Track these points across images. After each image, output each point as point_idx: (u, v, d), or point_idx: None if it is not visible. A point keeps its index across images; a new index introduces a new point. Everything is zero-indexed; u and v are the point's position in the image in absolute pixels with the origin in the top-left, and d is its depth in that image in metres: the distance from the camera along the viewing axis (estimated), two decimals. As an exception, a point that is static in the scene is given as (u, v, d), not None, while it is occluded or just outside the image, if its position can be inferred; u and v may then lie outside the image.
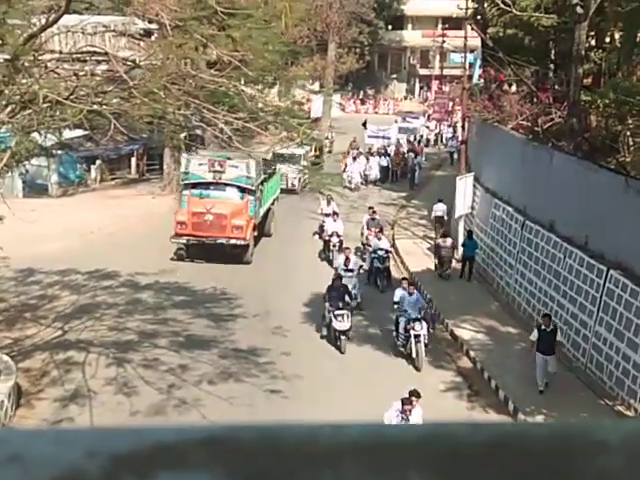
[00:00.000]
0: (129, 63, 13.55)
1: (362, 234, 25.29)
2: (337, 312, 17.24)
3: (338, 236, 24.54)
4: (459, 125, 37.29)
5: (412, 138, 45.67)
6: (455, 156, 43.59)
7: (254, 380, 15.63)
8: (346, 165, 38.43)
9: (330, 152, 41.47)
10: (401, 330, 16.89)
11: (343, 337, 17.22)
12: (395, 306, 17.33)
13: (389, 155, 40.54)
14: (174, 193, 35.42)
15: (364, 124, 44.59)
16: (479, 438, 0.60)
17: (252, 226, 23.66)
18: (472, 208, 25.62)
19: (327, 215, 26.46)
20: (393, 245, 26.21)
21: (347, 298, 17.69)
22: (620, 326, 15.28)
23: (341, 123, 58.19)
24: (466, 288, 22.38)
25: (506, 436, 0.60)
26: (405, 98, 74.83)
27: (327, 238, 24.94)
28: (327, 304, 17.59)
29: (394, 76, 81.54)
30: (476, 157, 27.43)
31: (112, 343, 17.34)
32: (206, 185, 23.85)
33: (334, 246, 24.17)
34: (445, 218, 27.70)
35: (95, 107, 11.87)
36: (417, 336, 16.55)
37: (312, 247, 25.79)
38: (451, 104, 44.78)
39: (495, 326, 19.08)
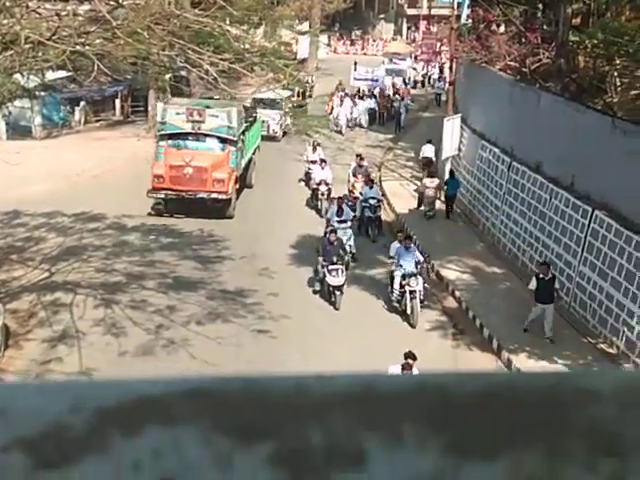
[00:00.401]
0: (112, 3, 13.35)
1: (348, 181, 24.66)
2: (331, 267, 16.59)
3: (326, 184, 23.80)
4: (447, 66, 37.01)
5: (399, 80, 45.31)
6: (442, 98, 43.41)
7: (241, 320, 15.78)
8: (332, 108, 38.17)
9: (310, 96, 40.68)
10: (396, 286, 16.27)
11: (337, 292, 16.65)
12: (390, 260, 16.80)
13: (376, 97, 40.31)
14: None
15: (355, 66, 44.04)
16: (470, 388, 0.59)
17: (234, 179, 22.46)
18: (459, 150, 25.64)
19: (313, 162, 25.78)
20: (380, 188, 26.08)
21: (341, 252, 17.12)
22: (604, 266, 15.48)
23: (328, 64, 57.64)
24: (452, 229, 22.53)
25: (498, 386, 0.60)
26: (393, 39, 74.03)
27: (315, 186, 24.20)
28: (320, 258, 16.93)
29: (382, 16, 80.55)
30: (464, 98, 27.33)
31: (100, 285, 17.42)
32: (184, 136, 22.35)
33: (322, 195, 23.55)
34: (433, 159, 27.76)
35: (78, 48, 11.74)
36: (412, 292, 15.95)
37: (298, 195, 25.33)
38: (439, 45, 44.31)
39: (480, 266, 19.28)
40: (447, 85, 37.43)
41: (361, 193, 22.40)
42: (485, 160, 22.83)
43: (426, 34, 57.51)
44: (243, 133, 23.69)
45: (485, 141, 23.13)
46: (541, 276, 15.13)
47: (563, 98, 19.45)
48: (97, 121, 37.46)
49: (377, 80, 42.19)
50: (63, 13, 13.25)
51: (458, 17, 30.60)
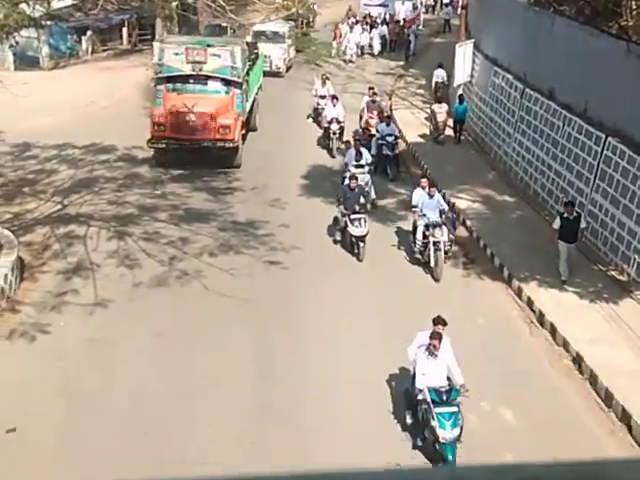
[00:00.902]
0: None
1: (361, 117, 23.53)
2: (353, 216, 15.63)
3: (338, 122, 22.57)
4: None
5: (409, 4, 44.35)
6: (451, 22, 42.64)
7: (253, 252, 15.86)
8: (340, 35, 37.50)
9: (312, 27, 39.40)
10: (419, 236, 15.24)
11: (361, 243, 15.60)
12: (413, 209, 15.68)
13: (387, 24, 39.57)
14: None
15: None
16: None
17: (240, 124, 20.81)
18: (471, 76, 25.29)
19: (322, 97, 24.77)
20: (390, 115, 25.69)
21: (363, 200, 16.08)
22: (616, 193, 15.41)
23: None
24: (463, 158, 22.41)
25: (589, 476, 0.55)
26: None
27: (326, 125, 22.91)
28: (341, 207, 16.03)
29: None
30: (476, 23, 26.82)
31: (112, 217, 17.50)
32: (184, 79, 20.61)
33: (334, 134, 22.45)
34: (445, 83, 27.55)
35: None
36: (436, 243, 14.92)
37: (308, 134, 24.37)
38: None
39: (492, 195, 19.23)
40: (458, 9, 36.74)
41: (377, 130, 21.27)
42: (498, 87, 22.54)
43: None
44: (247, 73, 21.96)
45: (498, 67, 22.79)
46: (565, 215, 14.45)
47: (577, 22, 19.06)
48: (104, 50, 37.07)
49: (387, 5, 41.28)
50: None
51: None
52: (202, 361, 11.85)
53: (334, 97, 23.49)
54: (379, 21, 40.22)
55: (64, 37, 34.48)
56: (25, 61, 32.72)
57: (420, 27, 41.22)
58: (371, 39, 37.89)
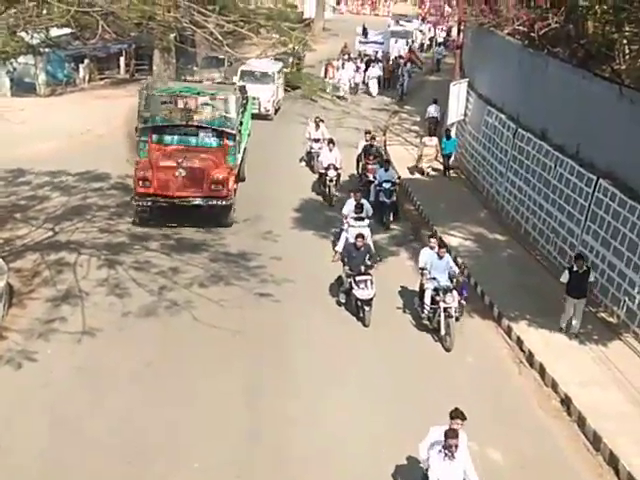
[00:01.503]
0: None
1: (358, 162, 22.81)
2: (359, 278, 14.49)
3: (335, 169, 21.45)
4: (454, 29, 36.61)
5: (402, 43, 44.69)
6: (443, 62, 43.10)
7: (244, 283, 15.84)
8: (327, 71, 37.54)
9: (300, 69, 37.08)
10: (427, 301, 14.06)
11: (367, 307, 14.35)
12: (421, 272, 14.48)
13: (380, 62, 39.82)
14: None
15: (364, 30, 42.77)
16: None
17: (234, 179, 19.12)
18: (465, 114, 25.49)
19: (316, 140, 23.97)
20: (385, 152, 25.81)
21: (369, 260, 14.86)
22: (607, 235, 15.47)
23: (335, 25, 57.16)
24: (456, 195, 22.51)
25: None
26: (405, 0, 73.16)
27: (322, 171, 21.79)
28: (346, 267, 14.83)
29: (390, -24, 79.54)
30: (471, 63, 27.10)
31: (103, 245, 17.46)
32: (173, 129, 18.99)
33: (331, 181, 21.35)
34: (439, 119, 27.89)
35: (82, 8, 11.64)
36: (447, 309, 13.70)
37: (302, 178, 23.47)
38: (447, 7, 43.77)
39: (483, 233, 19.29)
40: (447, 50, 37.08)
41: (375, 177, 20.65)
42: (491, 126, 22.71)
43: (434, -5, 56.75)
44: (240, 122, 20.40)
45: (491, 107, 22.98)
46: (575, 269, 13.83)
47: (571, 65, 19.25)
48: (101, 79, 37.23)
49: (382, 43, 41.57)
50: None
51: (467, -21, 30.16)
52: (190, 392, 11.76)
53: (330, 141, 22.43)
54: (376, 57, 40.40)
55: (62, 65, 34.63)
56: (22, 87, 32.83)
57: (415, 68, 41.22)
58: (368, 77, 38.08)
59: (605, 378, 12.65)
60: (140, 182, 18.23)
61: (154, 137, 18.96)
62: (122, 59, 38.60)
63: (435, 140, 24.92)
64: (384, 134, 29.88)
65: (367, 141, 23.08)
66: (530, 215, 19.11)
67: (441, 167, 24.65)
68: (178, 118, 18.81)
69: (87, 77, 36.40)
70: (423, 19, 54.58)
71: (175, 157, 18.37)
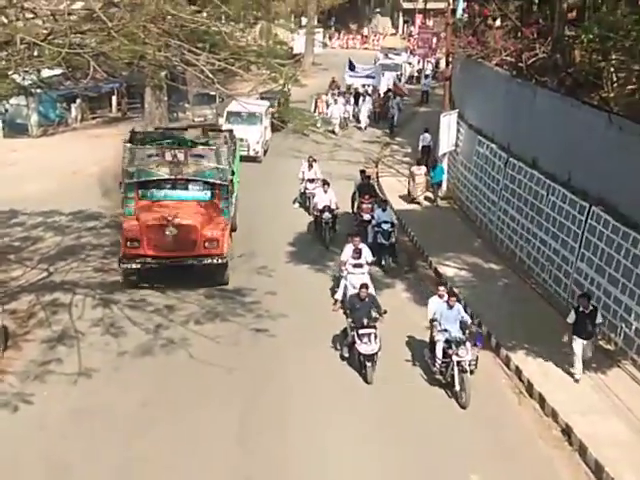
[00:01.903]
0: (107, 1, 13.29)
1: (353, 201, 22.13)
2: (362, 331, 13.59)
3: (331, 211, 20.68)
4: (442, 61, 36.95)
5: (391, 76, 44.91)
6: (430, 93, 43.28)
7: (240, 319, 15.79)
8: (317, 106, 37.56)
9: (287, 107, 35.86)
10: (439, 354, 13.24)
11: (369, 363, 13.46)
12: (431, 323, 13.66)
13: (370, 95, 39.88)
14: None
15: (350, 64, 42.69)
16: None
17: (228, 234, 17.80)
18: (456, 145, 25.63)
19: (310, 181, 23.33)
20: (378, 184, 25.80)
21: (374, 313, 13.97)
22: (601, 262, 15.48)
23: (324, 59, 57.61)
24: (450, 225, 22.55)
25: None
26: (394, 34, 73.87)
27: (317, 214, 21.03)
28: (349, 320, 14.06)
29: (378, 10, 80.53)
30: (460, 93, 27.30)
31: (98, 284, 17.40)
32: (161, 183, 17.76)
33: (326, 223, 20.62)
34: (431, 147, 28.15)
35: (73, 49, 11.71)
36: (460, 363, 12.88)
37: (297, 218, 22.82)
38: (435, 40, 44.18)
39: (478, 263, 19.29)
40: (435, 82, 37.16)
41: (371, 216, 20.08)
42: (482, 156, 22.82)
43: (422, 28, 57.33)
44: (232, 172, 18.90)
45: (482, 137, 23.11)
46: (581, 309, 13.48)
47: (559, 93, 19.41)
48: (93, 118, 37.43)
49: (374, 77, 41.39)
50: (58, 13, 13.17)
51: (454, 11, 30.51)
52: (187, 432, 11.66)
53: (325, 182, 21.64)
54: (365, 92, 40.42)
55: (53, 105, 34.82)
56: (14, 129, 32.97)
57: (404, 99, 41.41)
58: (358, 111, 38.19)
59: (605, 406, 12.59)
60: (128, 242, 16.81)
61: (141, 193, 17.74)
62: (114, 98, 38.84)
63: (423, 169, 25.33)
64: (376, 166, 30.00)
65: (362, 179, 22.58)
66: (524, 243, 19.13)
67: (432, 196, 24.97)
68: (166, 172, 17.56)
69: (79, 117, 36.58)
70: (411, 52, 55.09)
71: (165, 214, 16.87)
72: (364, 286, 14.24)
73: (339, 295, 15.87)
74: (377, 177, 28.20)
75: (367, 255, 16.40)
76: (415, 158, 28.99)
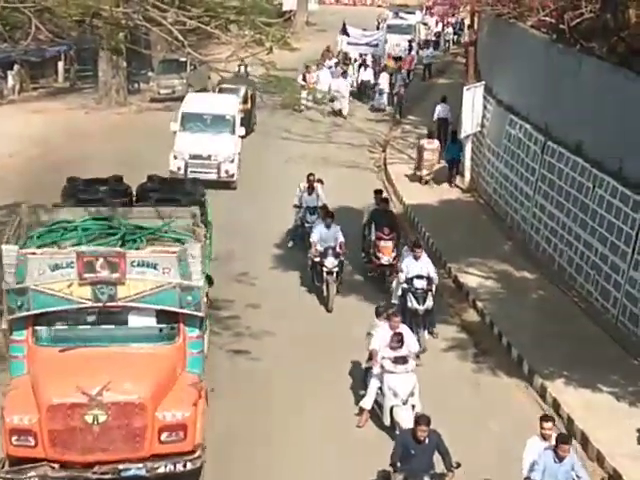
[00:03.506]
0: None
1: (364, 237, 19.37)
2: None
3: (336, 255, 17.75)
4: (467, 22, 36.97)
5: (403, 40, 44.32)
6: (431, 67, 42.74)
7: (214, 338, 15.76)
8: (305, 80, 36.15)
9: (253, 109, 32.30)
10: None
11: None
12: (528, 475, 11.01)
13: (368, 66, 39.00)
14: (113, 106, 35.16)
15: (344, 29, 41.97)
16: None
17: (203, 406, 11.96)
18: (482, 126, 25.66)
19: (310, 210, 20.28)
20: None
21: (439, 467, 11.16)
22: (659, 271, 15.55)
23: (321, 18, 57.74)
24: (473, 224, 22.58)
25: None
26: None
27: (316, 259, 17.85)
28: (399, 476, 10.89)
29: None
30: (487, 63, 27.35)
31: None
32: (76, 315, 12.27)
33: (329, 274, 17.60)
34: (450, 120, 28.72)
35: (11, 3, 11.74)
36: None
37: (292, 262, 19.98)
38: (458, -5, 44.14)
39: (508, 271, 19.30)
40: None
41: (393, 261, 18.01)
42: (514, 139, 22.86)
43: (442, -20, 57.30)
44: (209, 281, 14.63)
45: (514, 115, 23.14)
46: None
47: (609, 62, 19.47)
48: (35, 89, 37.46)
49: (377, 45, 40.56)
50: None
51: (481, -40, 30.56)
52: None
53: (328, 214, 18.59)
54: (364, 61, 39.71)
55: (-16, 72, 34.86)
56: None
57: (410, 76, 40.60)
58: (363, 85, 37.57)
59: (662, 448, 12.63)
60: (14, 438, 11.25)
61: (39, 335, 12.15)
62: (61, 64, 38.85)
63: (436, 143, 25.95)
64: (384, 150, 30.05)
65: (377, 204, 19.64)
66: (564, 247, 19.17)
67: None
68: (88, 295, 12.00)
69: (17, 87, 36.55)
70: (428, 10, 54.95)
71: (83, 381, 11.29)
72: (422, 421, 10.99)
73: (367, 403, 13.42)
74: (384, 164, 28.22)
75: (411, 343, 13.50)
76: (433, 126, 28.92)
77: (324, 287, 17.73)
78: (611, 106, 17.87)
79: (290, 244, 20.88)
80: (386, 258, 18.23)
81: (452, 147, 25.95)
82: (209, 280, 14.41)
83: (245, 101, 30.62)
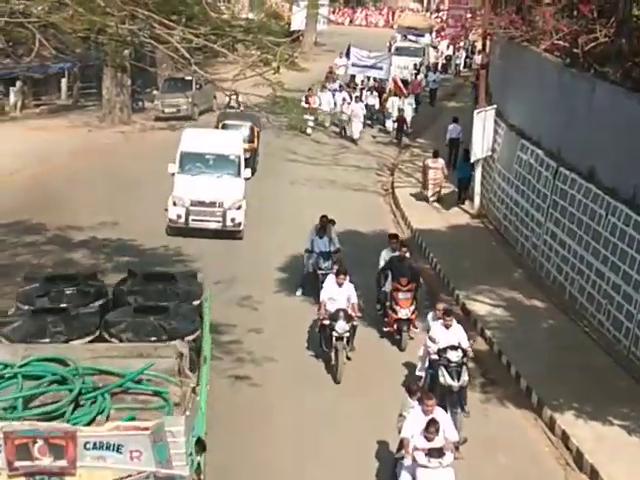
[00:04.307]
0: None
1: (379, 284, 17.77)
2: None
3: (348, 318, 15.81)
4: (478, 46, 37.03)
5: (409, 63, 44.22)
6: (436, 92, 42.62)
7: (215, 363, 15.68)
8: (307, 103, 35.67)
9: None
10: None
11: None
12: None
13: (375, 91, 38.91)
14: (116, 125, 35.28)
15: (347, 51, 41.74)
16: None
17: None
18: (493, 150, 25.69)
19: (324, 255, 18.82)
20: (393, 194, 25.58)
21: None
22: (673, 301, 15.49)
23: (330, 39, 58.01)
24: (483, 250, 22.56)
25: None
26: (410, 9, 74.08)
27: (325, 320, 15.89)
28: None
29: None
30: (499, 86, 27.40)
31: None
32: None
33: (340, 339, 15.67)
34: (461, 140, 29.38)
35: (15, 18, 11.79)
36: None
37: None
38: (470, 16, 44.28)
39: (518, 299, 19.26)
40: (478, 69, 37.12)
41: (411, 316, 16.97)
42: (525, 164, 22.87)
43: (454, 2, 57.47)
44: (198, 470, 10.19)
45: (526, 140, 23.16)
46: None
47: (623, 88, 19.50)
48: (37, 106, 37.53)
49: (381, 68, 40.28)
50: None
51: (493, -18, 30.68)
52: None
53: (340, 270, 16.40)
54: (367, 85, 39.49)
55: (-14, 88, 35.01)
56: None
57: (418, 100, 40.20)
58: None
59: (675, 484, 12.54)
60: None
61: None
62: (64, 81, 38.97)
63: (441, 161, 26.57)
64: (391, 174, 30.11)
65: (393, 251, 18.09)
66: (576, 276, 19.12)
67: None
68: None
69: (19, 104, 36.66)
70: (439, 33, 55.08)
71: None
72: None
73: None
74: (392, 187, 28.25)
75: (449, 431, 11.68)
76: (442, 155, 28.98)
77: (332, 354, 15.77)
78: (625, 132, 17.87)
79: (298, 293, 19.32)
80: (404, 312, 16.95)
81: (464, 166, 26.41)
82: (201, 446, 10.19)
83: (251, 140, 28.89)
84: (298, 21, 52.81)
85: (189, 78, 35.50)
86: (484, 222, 25.05)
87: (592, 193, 18.91)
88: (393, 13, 74.66)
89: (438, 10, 69.64)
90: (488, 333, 17.64)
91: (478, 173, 25.58)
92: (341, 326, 15.63)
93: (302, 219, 23.66)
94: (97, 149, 30.96)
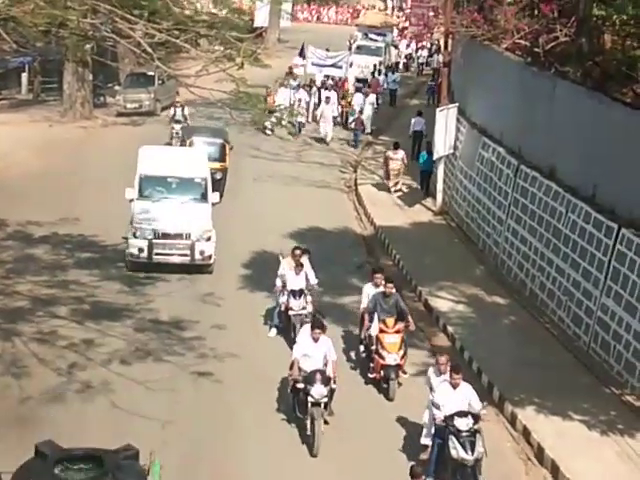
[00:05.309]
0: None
1: (362, 322, 15.93)
2: None
3: (325, 381, 13.46)
4: (442, 42, 37.08)
5: (369, 62, 43.94)
6: (396, 93, 42.32)
7: (178, 359, 15.71)
8: (265, 98, 34.97)
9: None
10: None
11: None
12: None
13: (336, 91, 38.04)
14: (78, 120, 35.05)
15: (301, 51, 41.11)
16: None
17: None
18: (454, 148, 25.78)
19: (295, 294, 16.57)
20: (356, 191, 26.02)
21: None
22: (632, 298, 15.59)
23: (293, 36, 57.92)
24: (445, 247, 22.65)
25: None
26: (381, 9, 73.90)
27: (298, 384, 13.39)
28: None
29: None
30: (461, 84, 27.51)
31: (-3, 311, 17.13)
32: None
33: (316, 404, 13.30)
34: (425, 133, 29.73)
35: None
36: None
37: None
38: (432, 15, 44.35)
39: (479, 295, 19.35)
40: (441, 66, 37.18)
41: (399, 361, 15.19)
42: (487, 162, 22.97)
43: (416, 1, 57.50)
44: None
45: (487, 138, 23.27)
46: None
47: (584, 87, 19.64)
48: (-3, 101, 37.21)
49: (340, 67, 39.62)
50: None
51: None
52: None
53: (316, 322, 14.27)
54: (331, 85, 38.81)
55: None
56: None
57: (379, 101, 39.84)
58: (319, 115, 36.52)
59: (634, 478, 12.62)
60: None
61: None
62: (24, 75, 38.61)
63: (401, 153, 27.18)
64: (355, 171, 30.15)
65: (377, 286, 15.98)
66: (537, 272, 19.24)
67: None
68: None
69: (-22, 98, 36.34)
70: (401, 32, 54.99)
71: None
72: None
73: None
74: (355, 184, 28.29)
75: None
76: (406, 151, 29.02)
77: (307, 422, 13.38)
78: (585, 131, 18.00)
79: (272, 333, 17.22)
80: (392, 357, 15.08)
81: (427, 158, 26.74)
82: None
83: (222, 158, 26.23)
84: (261, 17, 52.63)
85: (151, 73, 35.34)
86: (446, 219, 25.15)
87: (553, 191, 19.01)
88: (358, 12, 74.57)
89: (401, 9, 69.68)
90: (450, 329, 17.70)
91: (440, 170, 25.66)
92: (318, 391, 13.32)
93: (266, 216, 23.72)
94: (58, 144, 30.72)
